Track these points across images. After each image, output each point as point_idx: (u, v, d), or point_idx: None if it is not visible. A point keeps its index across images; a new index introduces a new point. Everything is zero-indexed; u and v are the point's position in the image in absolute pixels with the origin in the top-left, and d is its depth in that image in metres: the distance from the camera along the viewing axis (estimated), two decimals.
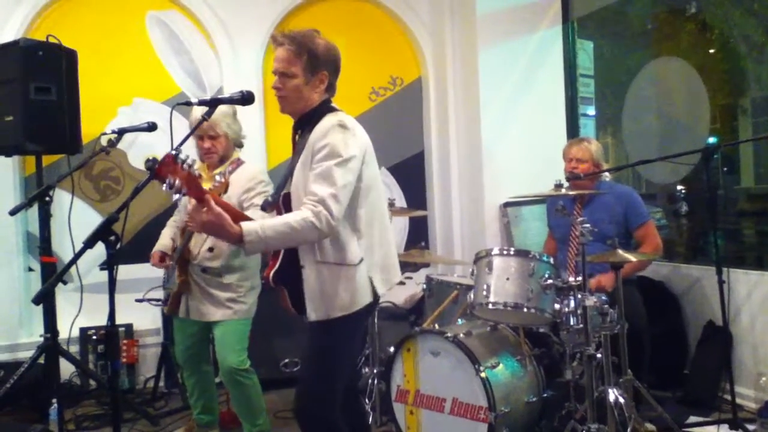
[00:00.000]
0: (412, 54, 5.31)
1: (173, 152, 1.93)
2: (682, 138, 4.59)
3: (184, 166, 1.94)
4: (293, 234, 2.07)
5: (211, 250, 3.04)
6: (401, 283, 3.93)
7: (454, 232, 5.17)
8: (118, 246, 1.89)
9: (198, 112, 3.15)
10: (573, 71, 5.16)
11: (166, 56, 4.68)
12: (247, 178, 3.11)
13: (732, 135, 4.89)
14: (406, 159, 5.27)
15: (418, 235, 5.21)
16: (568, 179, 3.51)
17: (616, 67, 5.51)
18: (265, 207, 2.37)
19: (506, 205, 4.79)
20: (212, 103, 2.15)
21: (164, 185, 1.94)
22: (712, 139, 4.52)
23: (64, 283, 1.99)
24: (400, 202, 5.20)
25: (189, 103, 2.15)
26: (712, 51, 4.87)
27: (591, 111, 5.40)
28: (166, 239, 3.34)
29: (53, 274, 3.24)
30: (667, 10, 5.05)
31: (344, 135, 2.19)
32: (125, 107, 4.57)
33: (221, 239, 2.05)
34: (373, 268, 2.30)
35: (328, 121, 2.23)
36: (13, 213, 2.70)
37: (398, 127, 5.23)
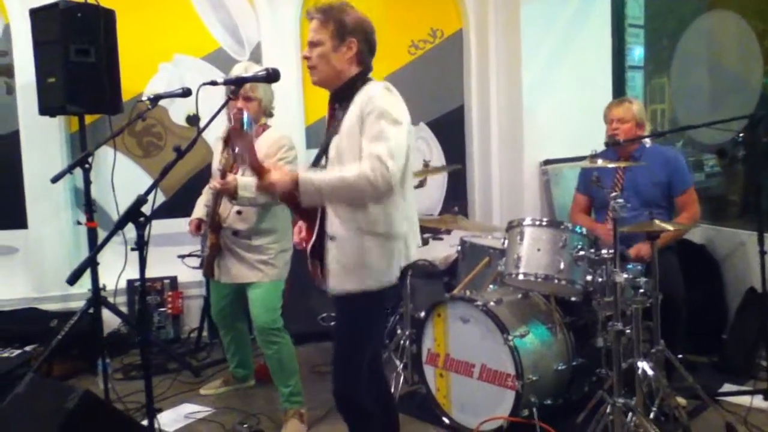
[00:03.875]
0: (453, 5, 5.14)
1: (242, 120, 1.95)
2: (733, 95, 4.40)
3: (246, 130, 1.97)
4: (347, 188, 2.06)
5: (239, 213, 3.10)
6: (439, 238, 3.96)
7: (493, 189, 5.11)
8: (148, 228, 1.95)
9: (237, 71, 3.15)
10: (621, 21, 4.95)
11: (204, 12, 4.67)
12: (269, 143, 3.10)
13: None
14: (445, 113, 5.18)
15: (457, 190, 5.20)
16: (607, 144, 3.42)
17: (669, 16, 5.25)
18: None
19: (546, 162, 4.71)
20: (238, 82, 2.16)
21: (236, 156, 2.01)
22: None
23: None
24: (439, 156, 5.16)
25: (214, 83, 2.15)
26: None
27: (639, 63, 5.20)
28: (201, 207, 3.41)
29: (95, 237, 3.39)
30: None
31: (392, 98, 2.17)
32: (166, 63, 4.61)
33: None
34: (409, 233, 2.29)
35: (371, 87, 2.20)
36: (54, 180, 2.78)
37: (438, 80, 5.13)
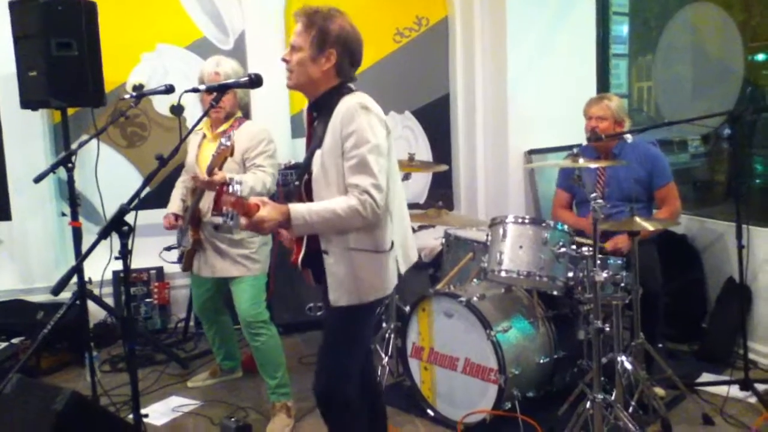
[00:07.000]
0: None
1: (227, 182, 1.95)
2: (717, 83, 4.43)
3: (233, 190, 1.97)
4: (338, 221, 2.10)
5: None
6: (424, 227, 3.98)
7: (478, 178, 5.13)
8: (131, 237, 1.96)
9: (209, 66, 3.15)
10: (606, 9, 4.95)
11: (187, 0, 4.62)
12: (249, 136, 3.09)
13: None
14: (430, 102, 5.18)
15: (442, 178, 5.22)
16: (588, 140, 3.45)
17: (654, 4, 5.26)
18: (290, 196, 2.38)
19: (531, 152, 4.73)
20: (220, 89, 2.16)
21: (222, 218, 1.97)
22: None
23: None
24: (424, 145, 5.17)
25: (196, 90, 2.16)
26: None
27: (624, 50, 5.22)
28: (176, 201, 3.42)
29: (79, 237, 3.39)
30: None
31: (368, 118, 2.14)
32: (149, 53, 4.57)
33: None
34: (397, 248, 2.30)
35: (348, 102, 2.16)
36: (37, 180, 2.77)
37: (423, 69, 5.11)
